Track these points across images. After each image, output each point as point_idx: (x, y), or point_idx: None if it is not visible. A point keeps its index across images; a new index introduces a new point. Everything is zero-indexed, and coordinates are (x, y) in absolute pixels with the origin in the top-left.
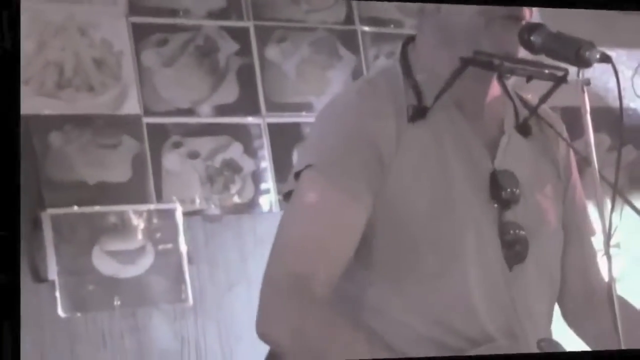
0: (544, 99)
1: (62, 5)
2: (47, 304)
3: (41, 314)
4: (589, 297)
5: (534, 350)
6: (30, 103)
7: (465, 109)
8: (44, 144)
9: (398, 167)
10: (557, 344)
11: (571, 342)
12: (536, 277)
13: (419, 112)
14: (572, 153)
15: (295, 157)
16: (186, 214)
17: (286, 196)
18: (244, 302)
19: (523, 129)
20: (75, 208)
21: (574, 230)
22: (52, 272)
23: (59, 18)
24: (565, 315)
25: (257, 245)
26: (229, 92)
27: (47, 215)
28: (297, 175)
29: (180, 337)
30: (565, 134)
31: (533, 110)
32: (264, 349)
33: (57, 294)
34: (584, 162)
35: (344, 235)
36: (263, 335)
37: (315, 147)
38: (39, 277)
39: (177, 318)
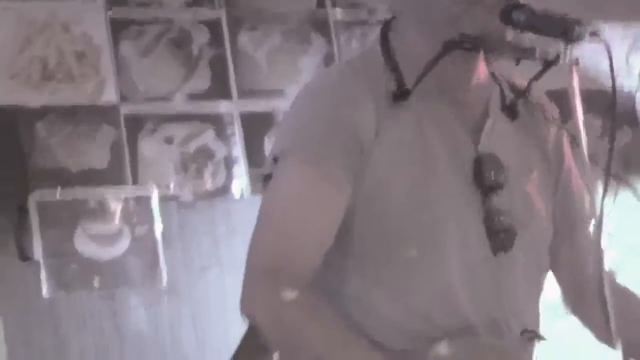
0: (532, 81)
1: (45, 3)
2: (32, 285)
3: (26, 293)
4: (587, 287)
5: (518, 343)
6: (17, 96)
7: (448, 94)
8: (30, 134)
9: (378, 154)
10: (541, 335)
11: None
12: (523, 266)
13: (399, 96)
14: (565, 138)
15: (267, 144)
16: (161, 199)
17: (266, 178)
18: (217, 285)
19: (510, 113)
20: (58, 194)
21: (569, 217)
22: (38, 253)
23: (43, 15)
24: (566, 304)
25: (230, 231)
26: (202, 80)
27: (33, 200)
28: (276, 159)
29: (155, 318)
30: (557, 117)
31: (521, 93)
32: (237, 331)
33: (42, 274)
34: (575, 146)
35: (324, 219)
36: (245, 314)
37: (294, 131)
38: (25, 258)
39: (152, 301)
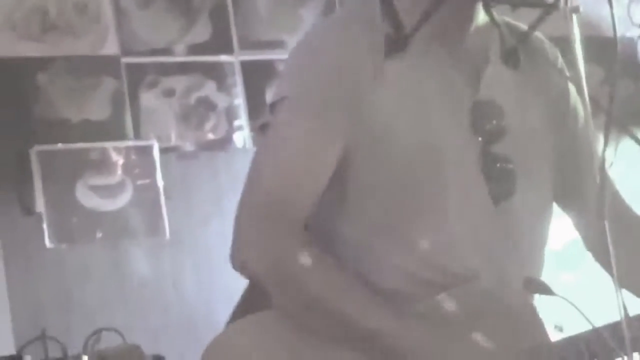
0: (532, 27)
1: None
2: (35, 236)
3: (29, 244)
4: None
5: (519, 290)
6: (18, 47)
7: (446, 40)
8: (32, 85)
9: (376, 102)
10: (544, 285)
11: None
12: (525, 213)
13: (398, 44)
14: (569, 82)
15: (268, 94)
16: (163, 151)
17: (262, 128)
18: (219, 236)
19: (510, 59)
20: (60, 145)
21: (578, 163)
22: (40, 205)
23: None
24: (588, 249)
25: (231, 181)
26: (203, 31)
27: (35, 151)
28: (273, 107)
29: (158, 269)
30: (560, 62)
31: (521, 37)
32: (240, 281)
33: (45, 225)
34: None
35: (319, 165)
36: (238, 266)
37: (292, 79)
38: (28, 210)
39: (155, 251)
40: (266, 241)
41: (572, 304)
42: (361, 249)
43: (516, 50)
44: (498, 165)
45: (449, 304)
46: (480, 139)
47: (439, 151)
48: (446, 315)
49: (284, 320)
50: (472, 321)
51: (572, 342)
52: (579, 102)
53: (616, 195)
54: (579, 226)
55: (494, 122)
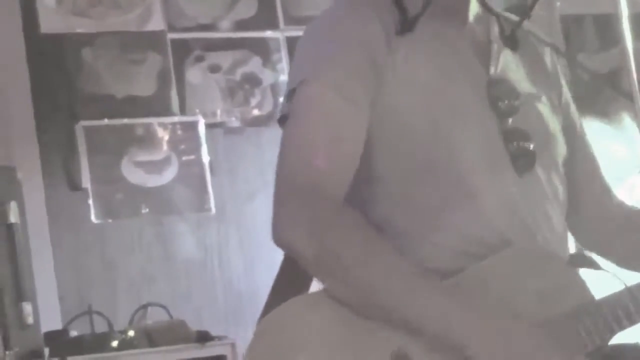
0: (529, 9)
1: None
2: (81, 211)
3: (75, 219)
4: (589, 206)
5: (554, 252)
6: (64, 22)
7: (451, 22)
8: (77, 60)
9: (392, 78)
10: (591, 259)
11: None
12: (547, 186)
13: (405, 25)
14: (556, 57)
15: None
16: (208, 126)
17: (281, 120)
18: (264, 211)
19: (510, 42)
20: (106, 120)
21: (577, 139)
22: (86, 180)
23: None
24: (572, 225)
25: (276, 157)
26: (248, 7)
27: (80, 127)
28: (291, 95)
29: (203, 244)
30: (547, 39)
31: (517, 23)
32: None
33: (90, 201)
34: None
35: (350, 140)
36: (279, 241)
37: (307, 61)
38: (74, 185)
39: (200, 226)
40: (303, 220)
41: (619, 279)
42: (395, 230)
43: (514, 34)
44: (516, 140)
45: (490, 273)
46: (496, 114)
47: (461, 126)
48: (487, 284)
49: (334, 299)
50: (513, 288)
51: (617, 298)
52: (565, 86)
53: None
54: (573, 205)
55: (509, 98)
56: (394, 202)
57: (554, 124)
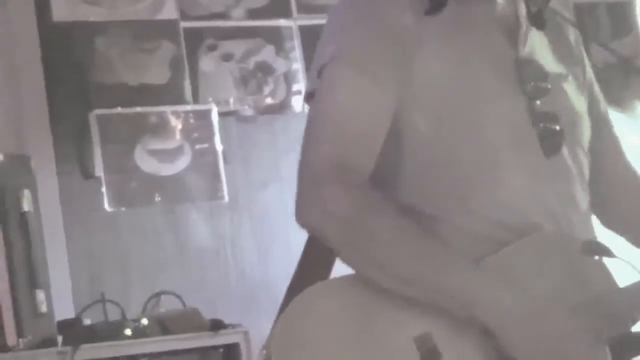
0: None
1: None
2: (94, 199)
3: (88, 208)
4: (624, 184)
5: (580, 237)
6: (77, 10)
7: (480, 2)
8: (90, 49)
9: (421, 60)
10: (604, 247)
11: None
12: (573, 166)
13: (434, 5)
14: (580, 37)
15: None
16: (221, 115)
17: (308, 96)
18: (278, 200)
19: (537, 22)
20: (119, 109)
21: (601, 117)
22: (99, 169)
23: None
24: (595, 204)
25: (290, 145)
26: None
27: (94, 115)
28: (320, 71)
29: (216, 233)
30: (572, 18)
31: (543, 3)
32: (297, 245)
33: (104, 189)
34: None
35: (375, 122)
36: (305, 223)
37: (336, 39)
38: (87, 173)
39: (213, 215)
40: (329, 200)
41: (633, 266)
42: (420, 212)
43: (541, 13)
44: (544, 122)
45: (514, 258)
46: (525, 96)
47: (490, 107)
48: (513, 269)
49: (362, 282)
50: (537, 274)
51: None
52: (589, 65)
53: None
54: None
55: (537, 79)
56: (419, 185)
57: (580, 104)
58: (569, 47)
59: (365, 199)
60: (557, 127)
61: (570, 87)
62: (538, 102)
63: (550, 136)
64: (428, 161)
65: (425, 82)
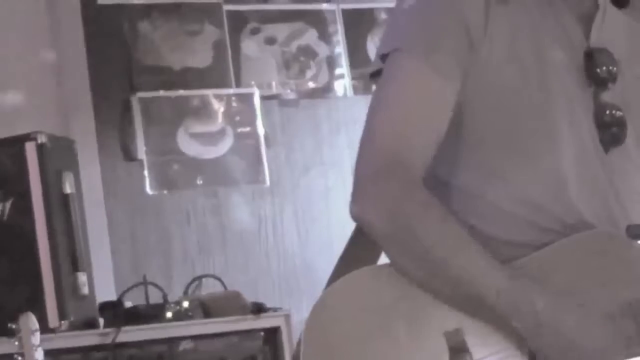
0: None
1: None
2: (136, 182)
3: (131, 190)
4: None
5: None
6: None
7: None
8: (134, 32)
9: (489, 47)
10: None
11: None
12: (636, 157)
13: None
14: None
15: (369, 42)
16: (263, 98)
17: (373, 76)
18: (319, 184)
19: (618, 1)
20: (162, 92)
21: None
22: (141, 151)
23: None
24: None
25: (332, 129)
26: None
27: (136, 98)
28: (384, 56)
29: (258, 216)
30: None
31: None
32: (338, 230)
33: (146, 172)
34: None
35: (436, 114)
36: (358, 217)
37: (404, 27)
38: (129, 156)
39: (255, 198)
40: (383, 198)
41: None
42: (474, 197)
43: None
44: (608, 112)
45: (561, 255)
46: (591, 86)
47: (552, 96)
48: (558, 267)
49: (399, 273)
50: (584, 273)
51: None
52: None
53: None
54: None
55: (606, 69)
56: (476, 170)
57: None
58: None
59: (418, 200)
60: (621, 118)
61: None
62: (604, 92)
63: (612, 128)
64: (489, 146)
65: (490, 71)
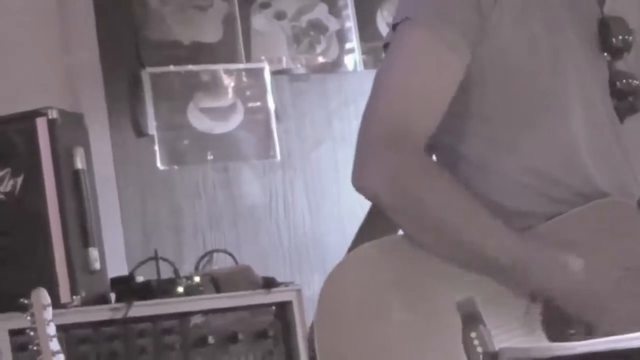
0: None
1: None
2: (147, 157)
3: (141, 166)
4: None
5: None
6: None
7: None
8: (143, 7)
9: (499, 15)
10: None
11: None
12: None
13: None
14: None
15: (379, 17)
16: (273, 73)
17: (385, 47)
18: (330, 158)
19: None
20: (172, 67)
21: None
22: (152, 127)
23: None
24: None
25: (342, 104)
26: None
27: (147, 73)
28: (395, 26)
29: (268, 191)
30: None
31: None
32: (349, 204)
33: (156, 147)
34: None
35: (442, 85)
36: (360, 187)
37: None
38: (140, 131)
39: (265, 173)
40: (385, 166)
41: None
42: (484, 168)
43: None
44: (624, 81)
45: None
46: (606, 54)
47: (565, 64)
48: (571, 236)
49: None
50: (596, 241)
51: None
52: None
53: None
54: None
55: (620, 38)
56: (486, 141)
57: None
58: None
59: (419, 167)
60: (637, 87)
61: None
62: (619, 61)
63: (627, 97)
64: (501, 118)
65: (500, 41)
